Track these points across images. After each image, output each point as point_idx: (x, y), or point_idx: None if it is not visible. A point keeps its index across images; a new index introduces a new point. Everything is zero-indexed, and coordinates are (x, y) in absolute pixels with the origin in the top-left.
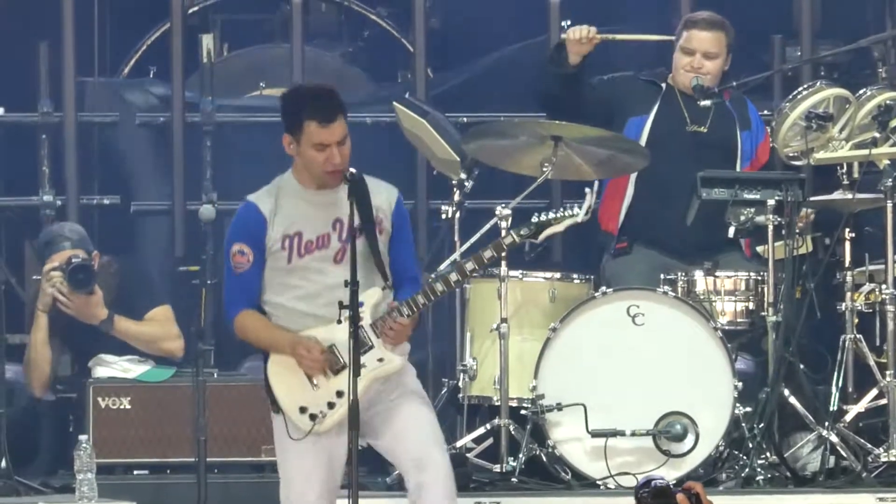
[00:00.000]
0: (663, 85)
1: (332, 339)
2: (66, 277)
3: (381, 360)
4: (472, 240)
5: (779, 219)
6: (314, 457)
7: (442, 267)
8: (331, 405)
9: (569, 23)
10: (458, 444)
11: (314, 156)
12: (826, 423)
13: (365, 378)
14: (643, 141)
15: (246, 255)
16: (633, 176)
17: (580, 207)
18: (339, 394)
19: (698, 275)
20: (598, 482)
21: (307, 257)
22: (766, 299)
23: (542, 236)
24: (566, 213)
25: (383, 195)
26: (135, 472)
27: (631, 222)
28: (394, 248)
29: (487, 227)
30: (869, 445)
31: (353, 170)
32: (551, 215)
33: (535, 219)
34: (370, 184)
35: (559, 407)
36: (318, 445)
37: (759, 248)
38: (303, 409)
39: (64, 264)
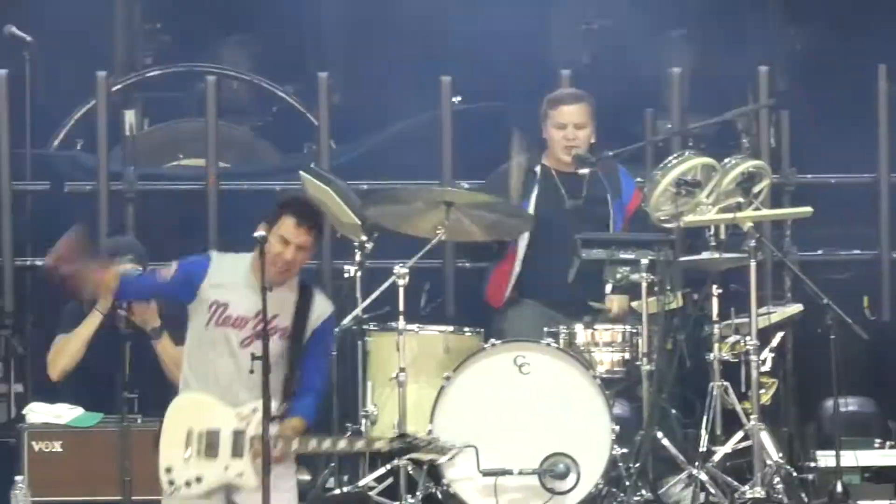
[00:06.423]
0: (537, 169)
1: (219, 426)
2: None
3: (240, 474)
4: (373, 296)
5: (651, 276)
6: None
7: (345, 321)
8: (188, 483)
9: (459, 98)
10: (361, 483)
11: (276, 248)
12: (696, 463)
13: (212, 480)
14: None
15: (171, 271)
16: (521, 255)
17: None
18: (199, 479)
19: (579, 328)
20: None
21: (224, 328)
22: (640, 350)
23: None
24: None
25: (317, 311)
26: None
27: (519, 284)
28: (305, 357)
29: (386, 284)
30: (735, 483)
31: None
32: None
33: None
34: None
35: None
36: None
37: (634, 304)
38: (168, 470)
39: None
